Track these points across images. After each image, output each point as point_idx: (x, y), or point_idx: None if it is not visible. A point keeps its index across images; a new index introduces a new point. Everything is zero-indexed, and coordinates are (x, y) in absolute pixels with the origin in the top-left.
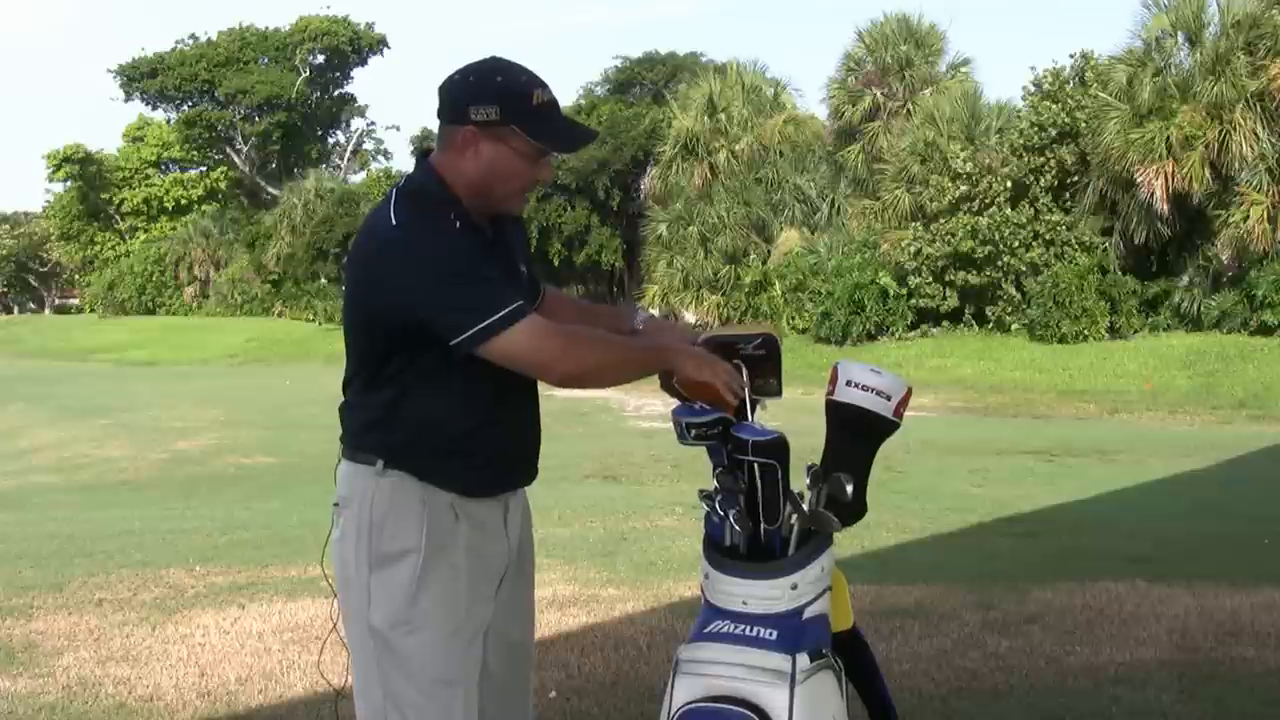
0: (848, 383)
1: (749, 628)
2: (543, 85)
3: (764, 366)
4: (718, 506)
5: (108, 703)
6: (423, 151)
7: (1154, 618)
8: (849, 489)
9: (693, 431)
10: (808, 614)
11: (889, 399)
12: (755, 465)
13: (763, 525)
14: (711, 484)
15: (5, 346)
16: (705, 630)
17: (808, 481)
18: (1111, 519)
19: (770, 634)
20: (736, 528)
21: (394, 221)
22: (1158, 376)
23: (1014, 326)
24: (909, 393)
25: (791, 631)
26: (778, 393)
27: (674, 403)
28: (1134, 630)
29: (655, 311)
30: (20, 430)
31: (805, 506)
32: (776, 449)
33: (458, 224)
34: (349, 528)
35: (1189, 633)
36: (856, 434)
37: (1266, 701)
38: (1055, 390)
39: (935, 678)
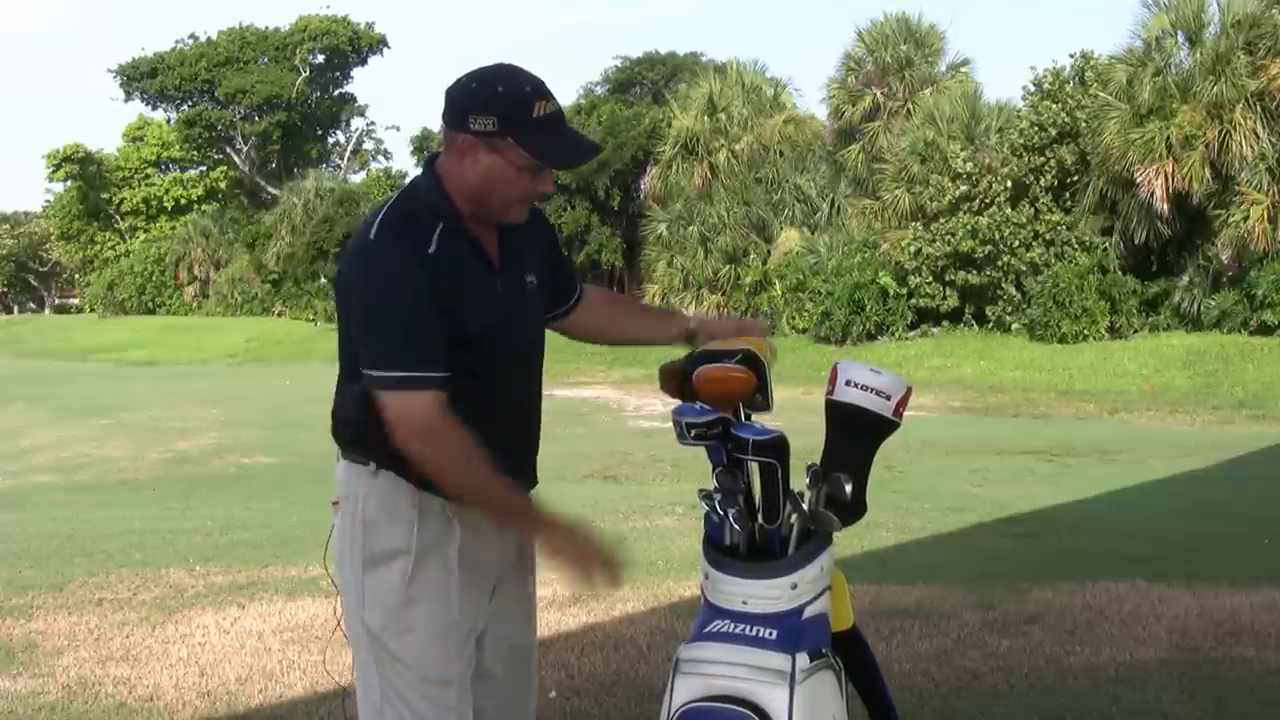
0: (847, 382)
1: (749, 627)
2: (547, 96)
3: None
4: (717, 506)
5: (108, 703)
6: (432, 154)
7: (1154, 618)
8: (848, 489)
9: (693, 431)
10: (807, 613)
11: (889, 398)
12: (755, 465)
13: (763, 524)
14: (711, 484)
15: (5, 346)
16: (705, 630)
17: (807, 481)
18: (1111, 519)
19: (770, 633)
20: (736, 527)
21: (371, 235)
22: (1158, 376)
23: (1014, 326)
24: (909, 392)
25: (791, 631)
26: (766, 407)
27: (674, 402)
28: (1134, 630)
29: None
30: (20, 430)
31: (805, 506)
32: (777, 448)
33: (434, 245)
34: (344, 526)
35: (1189, 633)
36: (856, 433)
37: (1266, 701)
38: (1055, 390)
39: (935, 678)
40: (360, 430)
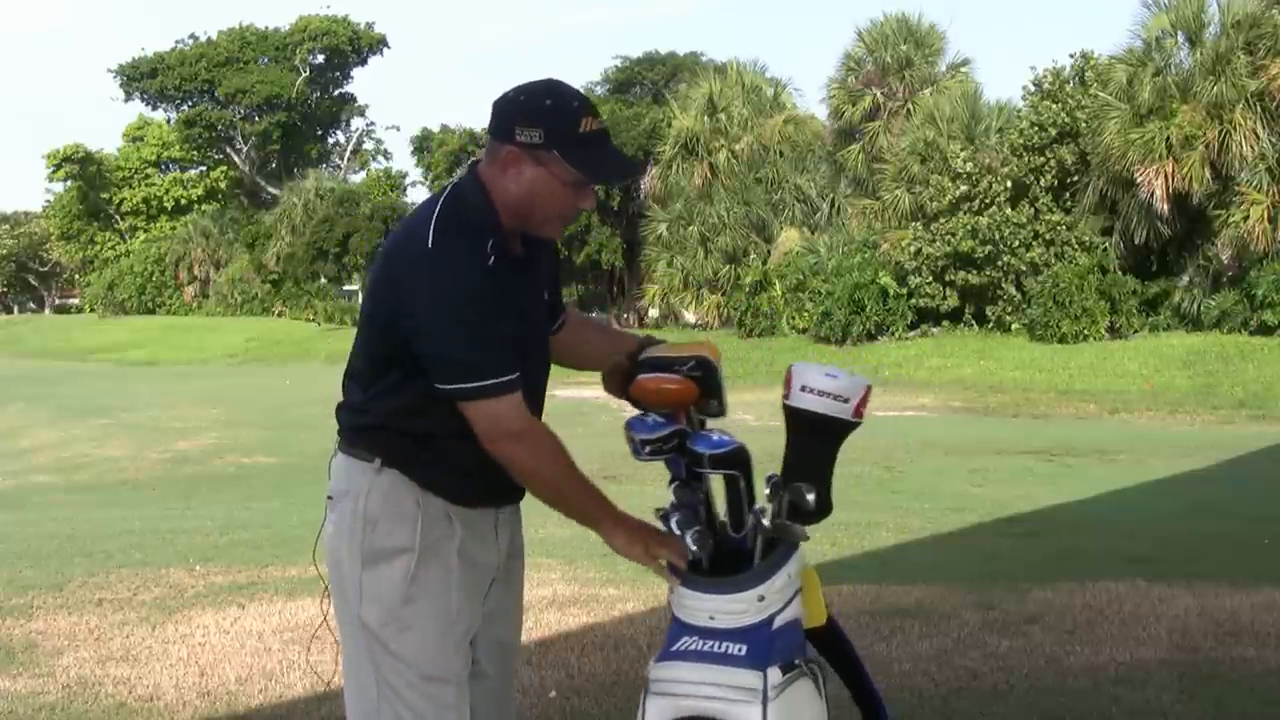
0: (803, 388)
1: (717, 644)
2: (593, 112)
3: (703, 388)
4: (674, 526)
5: (108, 703)
6: (473, 161)
7: (1154, 618)
8: (810, 498)
9: (647, 448)
10: (778, 623)
11: (847, 401)
12: (715, 477)
13: (729, 533)
14: (669, 500)
15: (5, 346)
16: (673, 648)
17: (767, 492)
18: (1111, 519)
19: (739, 649)
20: (694, 547)
21: (429, 244)
22: (1158, 376)
23: (1014, 326)
24: (869, 390)
25: (762, 644)
26: (720, 413)
27: (635, 410)
28: (1134, 630)
29: (655, 311)
30: (20, 430)
31: (766, 521)
32: (736, 459)
33: (491, 258)
34: (343, 522)
35: (1189, 633)
36: (815, 437)
37: (1266, 701)
38: (1055, 390)
39: (935, 678)
40: (367, 430)
